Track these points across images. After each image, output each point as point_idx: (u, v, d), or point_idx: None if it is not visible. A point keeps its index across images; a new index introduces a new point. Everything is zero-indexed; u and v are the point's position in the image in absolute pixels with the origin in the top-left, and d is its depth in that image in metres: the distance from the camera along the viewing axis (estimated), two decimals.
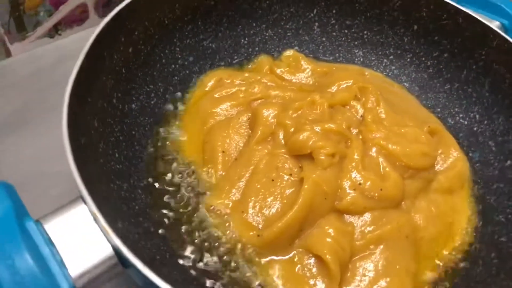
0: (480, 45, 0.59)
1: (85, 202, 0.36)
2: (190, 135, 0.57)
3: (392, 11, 0.64)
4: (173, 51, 0.61)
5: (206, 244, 0.48)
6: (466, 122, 0.60)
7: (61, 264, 0.34)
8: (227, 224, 0.49)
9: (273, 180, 0.50)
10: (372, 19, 0.66)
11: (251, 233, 0.48)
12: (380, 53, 0.67)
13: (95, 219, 0.35)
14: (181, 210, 0.50)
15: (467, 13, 0.59)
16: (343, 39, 0.68)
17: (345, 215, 0.50)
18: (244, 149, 0.54)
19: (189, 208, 0.50)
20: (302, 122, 0.54)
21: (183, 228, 0.49)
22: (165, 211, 0.50)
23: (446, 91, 0.63)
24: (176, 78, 0.61)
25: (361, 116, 0.57)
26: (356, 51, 0.68)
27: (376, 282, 0.46)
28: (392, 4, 0.64)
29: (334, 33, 0.68)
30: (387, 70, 0.66)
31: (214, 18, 0.63)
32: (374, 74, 0.67)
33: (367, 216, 0.50)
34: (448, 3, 0.60)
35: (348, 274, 0.47)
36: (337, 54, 0.68)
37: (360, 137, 0.55)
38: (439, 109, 0.63)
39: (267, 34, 0.67)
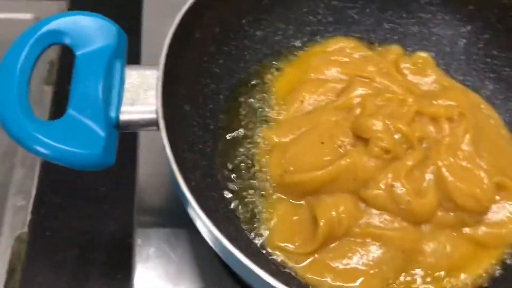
0: None
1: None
2: (287, 77, 0.64)
3: None
4: (317, 5, 0.67)
5: (239, 161, 0.56)
6: None
7: (120, 99, 0.46)
8: (266, 156, 0.57)
9: (322, 143, 0.55)
10: None
11: (278, 171, 0.55)
12: (510, 94, 0.64)
13: (157, 84, 0.46)
14: (239, 126, 0.59)
15: None
16: (481, 66, 0.66)
17: (363, 204, 0.53)
18: (319, 108, 0.60)
19: (248, 126, 0.58)
20: (381, 111, 0.57)
21: (231, 138, 0.57)
22: (226, 118, 0.59)
23: None
24: (308, 28, 0.67)
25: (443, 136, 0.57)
26: (487, 83, 0.66)
27: (349, 264, 0.50)
28: None
29: (476, 57, 0.66)
30: (507, 114, 0.63)
31: None
32: (491, 111, 0.64)
33: (382, 216, 0.53)
34: None
35: (331, 246, 0.51)
36: (467, 77, 0.67)
37: (427, 153, 0.56)
38: None
39: (412, 28, 0.69)
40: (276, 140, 0.57)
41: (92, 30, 0.47)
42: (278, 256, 0.50)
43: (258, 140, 0.58)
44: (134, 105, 0.46)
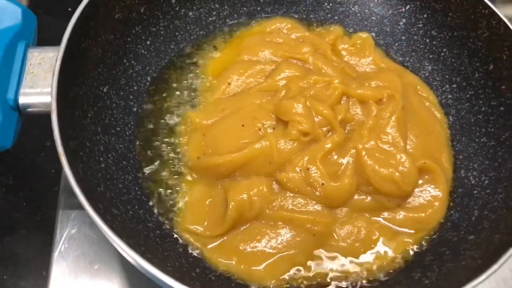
0: None
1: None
2: (221, 58, 0.63)
3: (477, 40, 0.59)
4: None
5: (160, 143, 0.56)
6: (473, 182, 0.55)
7: (20, 81, 0.46)
8: (186, 137, 0.56)
9: (243, 126, 0.55)
10: (457, 40, 0.61)
11: (196, 153, 0.54)
12: (447, 76, 0.62)
13: (53, 74, 0.45)
14: (164, 108, 0.58)
15: None
16: (421, 46, 0.65)
17: (279, 187, 0.53)
18: (245, 91, 0.59)
19: (174, 108, 0.58)
20: (305, 93, 0.56)
21: (155, 120, 0.57)
22: (152, 100, 0.58)
23: (480, 143, 0.57)
24: (244, 8, 0.66)
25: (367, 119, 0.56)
26: (426, 64, 0.64)
27: (257, 247, 0.50)
28: (481, 32, 0.58)
29: (416, 37, 0.65)
30: (443, 96, 0.62)
31: None
32: (428, 93, 0.63)
33: (296, 199, 0.52)
34: None
35: (242, 228, 0.51)
36: (407, 58, 0.65)
37: (349, 135, 0.55)
38: (461, 157, 0.58)
39: (352, 8, 0.67)
40: (199, 122, 0.57)
41: None
42: (187, 239, 0.50)
43: (182, 122, 0.57)
44: (33, 87, 0.46)
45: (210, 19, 0.65)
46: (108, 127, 0.53)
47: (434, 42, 0.64)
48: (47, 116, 0.45)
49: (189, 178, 0.54)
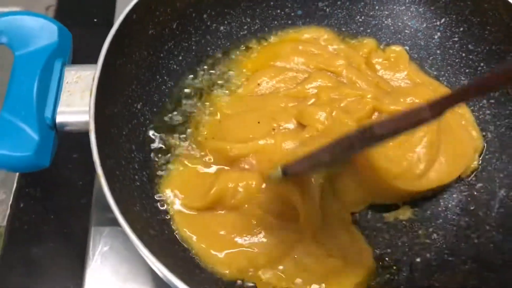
0: None
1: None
2: (255, 62, 0.63)
3: None
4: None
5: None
6: None
7: (57, 99, 0.46)
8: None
9: (259, 122, 0.55)
10: (494, 54, 0.60)
11: (206, 134, 0.55)
12: None
13: (91, 93, 0.45)
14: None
15: None
16: (456, 61, 0.63)
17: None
18: (273, 93, 0.58)
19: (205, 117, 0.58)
20: (334, 104, 0.55)
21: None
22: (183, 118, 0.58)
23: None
24: (275, 23, 0.65)
25: None
26: (462, 79, 0.63)
27: (223, 233, 0.50)
28: None
29: (451, 51, 0.63)
30: (480, 112, 0.60)
31: None
32: (464, 109, 0.61)
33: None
34: None
35: (218, 212, 0.51)
36: (442, 72, 0.64)
37: None
38: (502, 175, 0.56)
39: (385, 22, 0.66)
40: (220, 108, 0.57)
41: (32, 30, 0.47)
42: (165, 195, 0.51)
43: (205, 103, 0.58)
44: (70, 106, 0.46)
45: (241, 33, 0.64)
46: (142, 144, 0.53)
47: (471, 56, 0.62)
48: None
49: (193, 157, 0.54)
